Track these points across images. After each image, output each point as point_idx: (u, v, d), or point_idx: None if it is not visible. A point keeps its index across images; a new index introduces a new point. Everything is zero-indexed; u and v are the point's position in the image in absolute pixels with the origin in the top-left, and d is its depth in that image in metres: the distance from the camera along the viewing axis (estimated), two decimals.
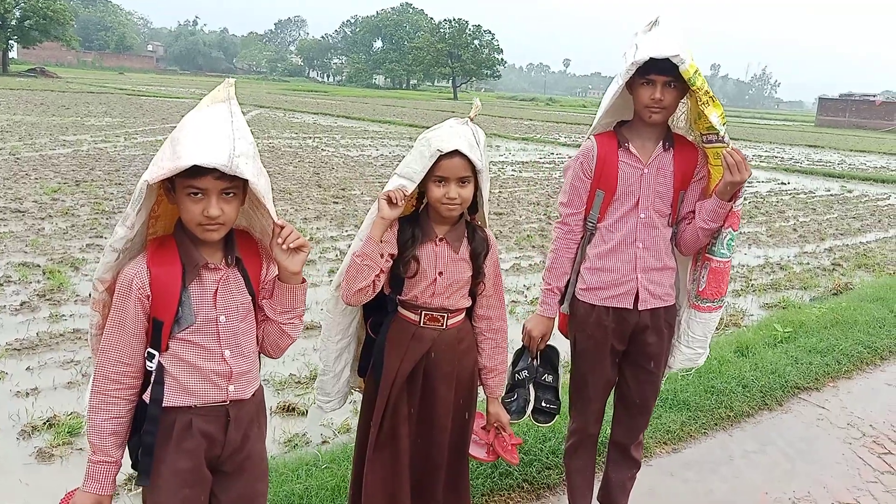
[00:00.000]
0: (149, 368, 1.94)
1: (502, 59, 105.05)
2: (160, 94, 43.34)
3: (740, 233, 10.96)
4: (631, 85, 2.70)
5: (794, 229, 11.61)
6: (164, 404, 1.94)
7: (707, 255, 2.83)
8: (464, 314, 2.53)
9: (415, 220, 2.45)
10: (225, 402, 2.00)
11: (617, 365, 2.94)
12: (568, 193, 2.86)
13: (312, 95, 59.15)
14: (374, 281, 2.34)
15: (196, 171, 1.79)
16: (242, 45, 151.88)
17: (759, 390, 4.68)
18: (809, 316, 6.10)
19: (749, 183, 17.48)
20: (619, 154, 2.76)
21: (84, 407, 4.03)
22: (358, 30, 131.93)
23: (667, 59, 2.55)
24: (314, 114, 33.99)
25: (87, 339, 5.16)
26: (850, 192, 16.99)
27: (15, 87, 39.65)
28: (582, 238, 2.87)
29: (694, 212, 2.81)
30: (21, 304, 5.86)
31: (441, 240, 2.42)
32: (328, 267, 7.41)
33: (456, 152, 2.29)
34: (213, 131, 1.81)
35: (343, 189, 12.38)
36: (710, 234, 2.77)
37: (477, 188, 2.41)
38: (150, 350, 1.93)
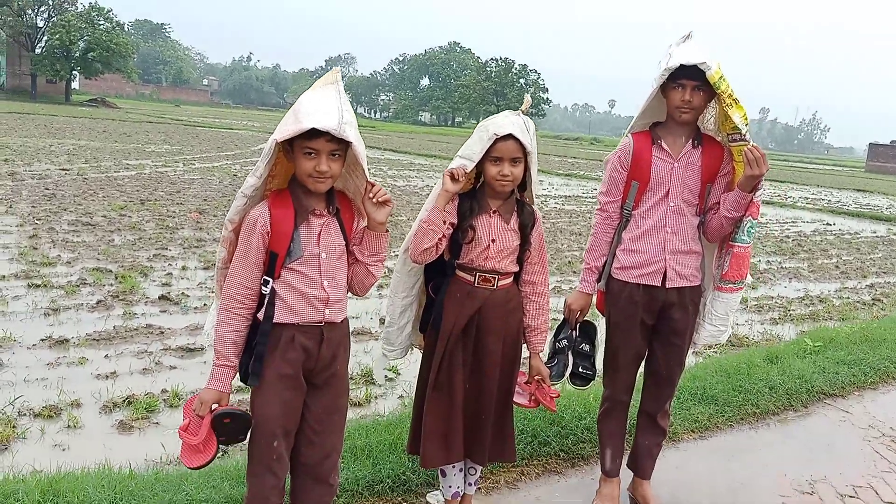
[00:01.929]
0: (263, 292, 2.42)
1: (548, 98, 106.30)
2: (214, 125, 44.89)
3: (781, 266, 11.14)
4: (664, 89, 3.11)
5: (837, 266, 11.62)
6: (274, 321, 2.41)
7: (730, 242, 3.20)
8: (512, 278, 2.94)
9: (472, 196, 2.89)
10: (321, 322, 2.47)
11: (647, 339, 3.31)
12: (607, 184, 3.27)
13: (360, 130, 60.34)
14: (437, 244, 2.76)
15: (312, 134, 2.28)
16: (293, 80, 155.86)
17: (785, 392, 4.95)
18: (840, 333, 6.33)
19: (793, 222, 17.37)
20: (653, 150, 3.16)
21: (159, 389, 4.50)
22: (406, 67, 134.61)
23: (695, 66, 2.95)
24: None
25: (158, 335, 5.67)
26: None
27: (77, 116, 41.53)
28: (619, 224, 3.26)
29: (719, 203, 3.18)
30: (97, 303, 6.35)
31: (494, 212, 2.85)
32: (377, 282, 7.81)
33: (510, 136, 2.73)
34: (327, 104, 2.31)
35: (390, 216, 12.83)
36: (732, 222, 3.14)
37: (526, 169, 2.83)
38: (265, 277, 2.42)
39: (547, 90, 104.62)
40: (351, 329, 5.94)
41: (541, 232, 2.96)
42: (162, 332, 5.72)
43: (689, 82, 3.01)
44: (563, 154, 45.02)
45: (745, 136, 3.05)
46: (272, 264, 2.40)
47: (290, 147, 2.37)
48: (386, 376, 4.99)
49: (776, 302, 8.59)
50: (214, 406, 2.42)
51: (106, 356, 5.15)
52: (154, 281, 7.24)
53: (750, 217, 3.13)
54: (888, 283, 10.59)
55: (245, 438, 2.49)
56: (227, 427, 2.41)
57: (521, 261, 2.93)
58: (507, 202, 2.87)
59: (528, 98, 2.93)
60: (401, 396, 4.85)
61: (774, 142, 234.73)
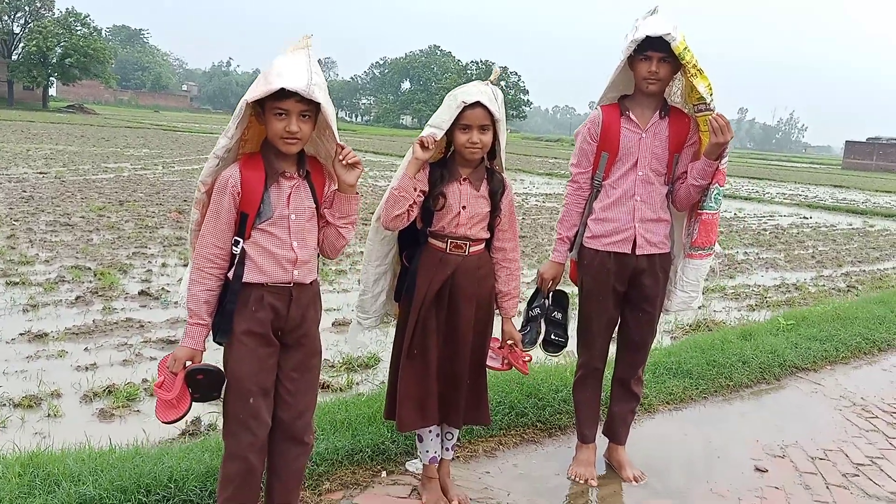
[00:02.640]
0: (234, 252, 2.47)
1: (528, 100, 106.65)
2: (194, 129, 44.70)
3: (758, 256, 11.29)
4: (631, 61, 3.20)
5: (813, 256, 11.78)
6: (243, 280, 2.46)
7: (698, 210, 3.29)
8: (483, 245, 3.01)
9: (443, 164, 2.96)
10: (290, 283, 2.51)
11: (619, 306, 3.39)
12: (577, 155, 3.35)
13: (342, 133, 60.15)
14: (408, 210, 2.83)
15: (282, 95, 2.33)
16: None
17: (758, 366, 5.06)
18: (812, 312, 6.46)
19: (770, 216, 17.58)
20: (622, 121, 3.25)
21: (139, 378, 4.51)
22: (386, 71, 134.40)
23: (661, 38, 3.04)
24: None
25: (138, 328, 5.67)
26: (871, 226, 17.10)
27: (55, 122, 41.18)
28: (589, 194, 3.34)
29: (687, 172, 3.26)
30: (76, 299, 6.32)
31: (464, 179, 2.92)
32: (357, 277, 7.85)
33: (478, 103, 2.80)
34: (296, 66, 2.37)
35: (370, 213, 12.81)
36: (700, 189, 3.22)
37: (495, 137, 2.90)
38: (235, 238, 2.47)
39: (527, 92, 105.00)
40: (332, 321, 6.05)
41: (511, 199, 3.03)
42: (142, 326, 5.72)
43: (655, 54, 3.10)
44: (545, 155, 45.23)
45: (710, 105, 3.13)
46: (242, 225, 2.45)
47: (261, 109, 2.42)
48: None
49: (753, 290, 8.71)
50: (188, 363, 2.48)
51: (86, 349, 5.15)
52: (133, 277, 7.23)
53: (716, 184, 3.22)
54: (863, 270, 10.74)
55: (219, 395, 2.53)
56: (200, 383, 2.46)
57: (491, 228, 3.00)
58: (477, 170, 2.94)
59: (496, 69, 3.01)
60: (382, 382, 4.89)
61: (753, 141, 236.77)
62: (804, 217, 17.99)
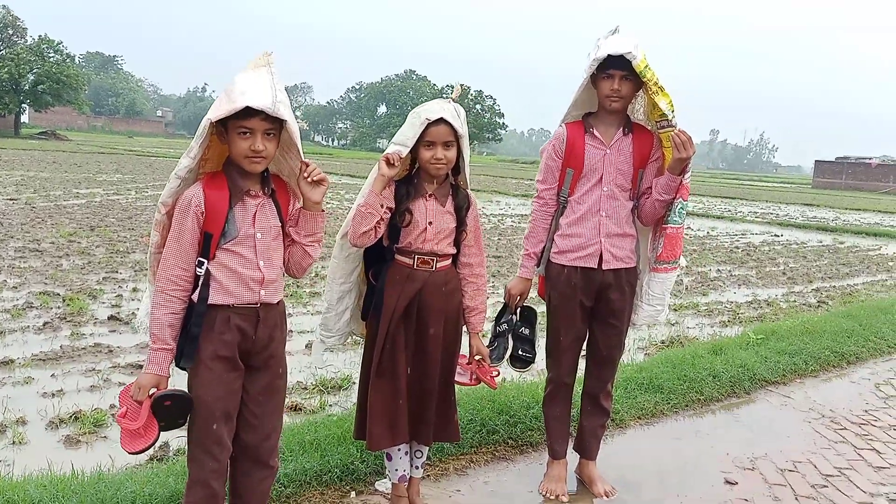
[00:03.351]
0: (198, 273, 2.43)
1: (504, 122, 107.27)
2: (169, 154, 44.40)
3: (730, 273, 11.41)
4: (594, 80, 3.26)
5: (784, 273, 11.91)
6: (209, 302, 2.42)
7: (663, 224, 3.33)
8: (450, 261, 3.02)
9: (409, 181, 2.97)
10: (257, 304, 2.48)
11: (586, 321, 3.41)
12: (543, 172, 3.39)
13: (318, 157, 60.33)
14: (375, 227, 2.83)
15: (246, 113, 2.32)
16: None
17: (728, 380, 5.09)
18: (782, 326, 6.52)
19: (742, 234, 17.77)
20: (586, 138, 3.29)
21: (107, 404, 4.44)
22: (362, 95, 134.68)
23: (622, 56, 3.09)
24: None
25: (107, 353, 5.59)
26: (841, 243, 17.31)
27: (27, 148, 40.75)
28: (556, 210, 3.37)
29: (651, 188, 3.31)
30: (44, 325, 6.20)
31: (430, 195, 2.94)
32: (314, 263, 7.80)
33: (441, 120, 2.83)
34: (260, 83, 2.35)
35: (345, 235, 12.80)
36: (664, 204, 3.27)
37: (459, 153, 2.93)
38: (199, 258, 2.43)
39: (503, 115, 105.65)
40: (304, 344, 6.00)
41: (476, 214, 3.06)
42: (111, 351, 5.64)
43: (616, 72, 3.15)
44: (521, 177, 45.41)
45: (672, 122, 3.19)
46: (206, 245, 2.41)
47: (223, 129, 2.40)
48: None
49: (725, 307, 8.77)
50: (153, 391, 2.41)
51: (53, 375, 5.05)
52: (104, 303, 7.13)
53: (680, 199, 3.26)
54: (834, 286, 10.87)
55: (185, 422, 2.48)
56: (167, 410, 2.40)
57: (457, 243, 3.01)
58: (443, 186, 2.96)
59: (457, 86, 3.05)
60: (355, 403, 4.86)
61: (724, 162, 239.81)
62: (775, 235, 18.20)
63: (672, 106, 3.20)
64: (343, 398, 4.96)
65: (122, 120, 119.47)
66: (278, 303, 2.56)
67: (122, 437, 2.43)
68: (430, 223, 2.90)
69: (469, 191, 3.05)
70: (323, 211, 2.60)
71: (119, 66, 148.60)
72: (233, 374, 2.47)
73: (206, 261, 2.42)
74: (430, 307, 2.93)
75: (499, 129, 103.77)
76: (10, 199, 15.20)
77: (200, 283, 2.42)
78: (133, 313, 6.70)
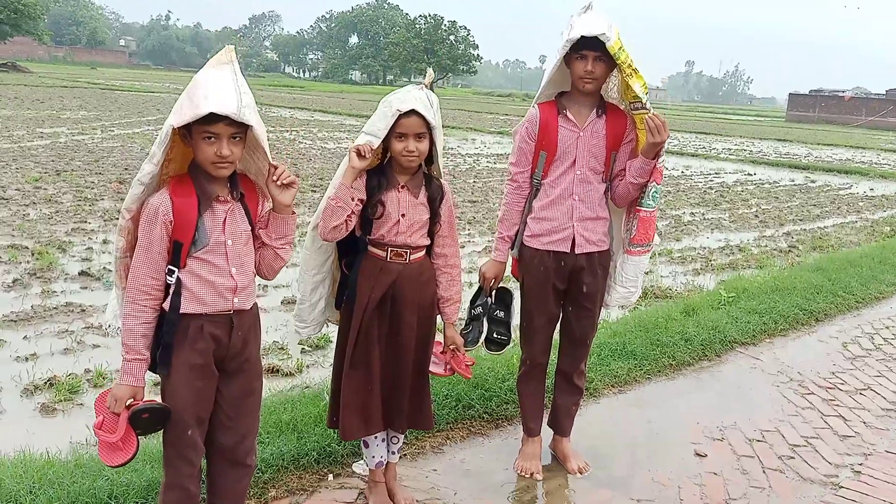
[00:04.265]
0: (169, 282, 2.37)
1: (478, 54, 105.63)
2: (134, 88, 43.29)
3: (704, 217, 11.51)
4: (567, 60, 3.18)
5: (756, 215, 12.06)
6: (181, 311, 2.37)
7: (637, 207, 3.31)
8: (424, 252, 2.98)
9: (380, 171, 2.90)
10: (230, 311, 2.44)
11: (559, 303, 3.42)
12: (516, 154, 3.33)
13: (289, 91, 58.86)
14: (346, 220, 2.77)
15: (211, 119, 2.22)
16: (216, 40, 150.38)
17: (699, 344, 5.18)
18: (753, 283, 6.61)
19: (717, 173, 17.91)
20: (559, 120, 3.23)
21: (82, 369, 4.40)
22: (333, 25, 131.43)
23: (596, 37, 3.01)
24: (290, 108, 34.08)
25: (79, 313, 5.52)
26: (813, 182, 17.50)
27: None
28: (529, 193, 3.33)
29: (625, 170, 3.27)
30: (13, 282, 6.12)
31: (403, 187, 2.87)
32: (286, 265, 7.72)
33: (413, 111, 2.74)
34: (224, 86, 2.25)
35: (321, 179, 12.57)
36: (638, 188, 3.24)
37: (432, 143, 2.86)
38: (170, 267, 2.36)
39: (477, 47, 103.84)
40: (281, 298, 5.96)
41: (450, 205, 3.00)
42: (83, 310, 5.57)
43: (590, 53, 3.08)
44: (496, 111, 45.04)
45: (645, 104, 3.13)
46: (177, 254, 2.35)
47: (186, 131, 2.31)
48: (302, 350, 5.07)
49: (698, 253, 8.90)
50: (130, 401, 2.38)
51: (25, 337, 5.00)
52: (73, 256, 7.02)
53: (654, 182, 3.23)
54: (804, 230, 11.05)
55: (162, 428, 2.46)
56: (145, 421, 2.38)
57: (431, 234, 2.97)
58: (415, 177, 2.90)
59: (430, 72, 2.97)
60: (332, 365, 4.87)
61: (700, 94, 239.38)
62: (748, 174, 18.34)
63: (646, 88, 3.15)
64: (321, 357, 4.97)
65: (85, 50, 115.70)
66: (252, 307, 2.52)
67: (101, 450, 2.41)
68: (403, 215, 2.85)
69: (443, 180, 2.99)
70: (294, 213, 2.53)
71: None
72: (206, 381, 2.44)
73: (176, 269, 2.36)
74: (404, 299, 2.90)
75: (473, 62, 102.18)
76: None
77: (171, 291, 2.37)
78: (104, 268, 6.60)
